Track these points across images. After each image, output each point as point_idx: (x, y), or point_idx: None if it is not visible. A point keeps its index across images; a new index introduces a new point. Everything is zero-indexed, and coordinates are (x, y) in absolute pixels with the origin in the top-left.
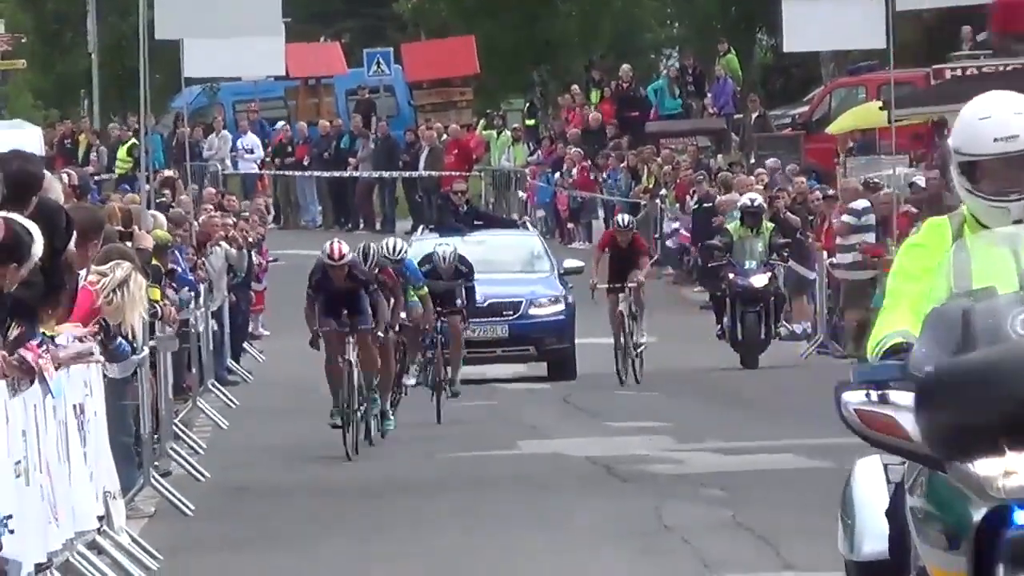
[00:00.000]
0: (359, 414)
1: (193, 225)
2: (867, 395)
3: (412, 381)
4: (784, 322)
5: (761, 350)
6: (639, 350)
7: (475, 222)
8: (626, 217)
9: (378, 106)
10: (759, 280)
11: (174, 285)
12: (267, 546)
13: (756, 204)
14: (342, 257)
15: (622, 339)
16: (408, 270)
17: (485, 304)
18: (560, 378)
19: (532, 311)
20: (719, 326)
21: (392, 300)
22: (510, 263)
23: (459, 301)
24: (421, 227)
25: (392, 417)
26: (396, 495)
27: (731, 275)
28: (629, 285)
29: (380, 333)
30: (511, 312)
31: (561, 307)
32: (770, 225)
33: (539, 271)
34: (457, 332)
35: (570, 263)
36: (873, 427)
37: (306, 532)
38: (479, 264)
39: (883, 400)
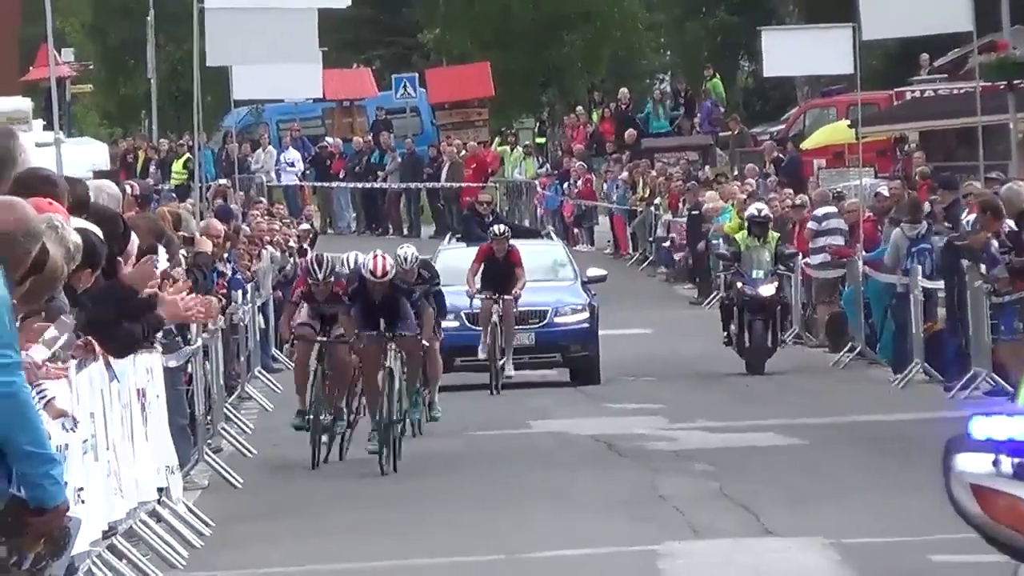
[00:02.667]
0: (398, 420)
1: (243, 230)
2: (996, 463)
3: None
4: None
5: (767, 357)
6: (501, 362)
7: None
8: (502, 227)
9: (405, 125)
10: (767, 289)
11: (226, 284)
12: (307, 515)
13: (763, 214)
14: (385, 274)
15: (495, 350)
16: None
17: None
18: (585, 383)
19: (558, 319)
20: (725, 333)
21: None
22: (535, 272)
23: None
24: (448, 236)
25: (439, 407)
26: (423, 469)
27: (739, 284)
28: (504, 297)
29: (425, 342)
30: (537, 320)
31: (586, 315)
32: (776, 235)
33: (563, 279)
34: (432, 347)
35: (593, 271)
36: (999, 516)
37: (341, 503)
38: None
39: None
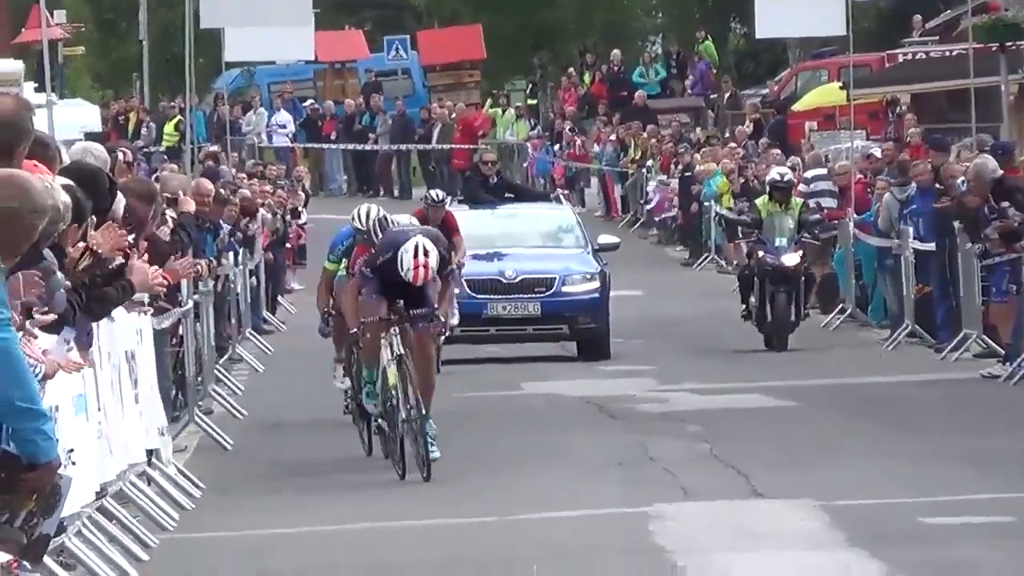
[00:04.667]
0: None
1: (241, 193)
2: None
3: (341, 384)
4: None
5: (790, 332)
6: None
7: (506, 195)
8: (439, 193)
9: (393, 87)
10: (790, 259)
11: (218, 246)
12: (299, 477)
13: (786, 179)
14: (427, 278)
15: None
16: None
17: (517, 280)
18: (593, 358)
19: (566, 288)
20: (744, 307)
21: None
22: (542, 238)
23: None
24: (450, 199)
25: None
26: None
27: (760, 253)
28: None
29: (442, 317)
30: (544, 289)
31: (596, 284)
32: (799, 201)
33: (572, 246)
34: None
35: (605, 239)
36: None
37: (333, 463)
38: (510, 238)
39: None
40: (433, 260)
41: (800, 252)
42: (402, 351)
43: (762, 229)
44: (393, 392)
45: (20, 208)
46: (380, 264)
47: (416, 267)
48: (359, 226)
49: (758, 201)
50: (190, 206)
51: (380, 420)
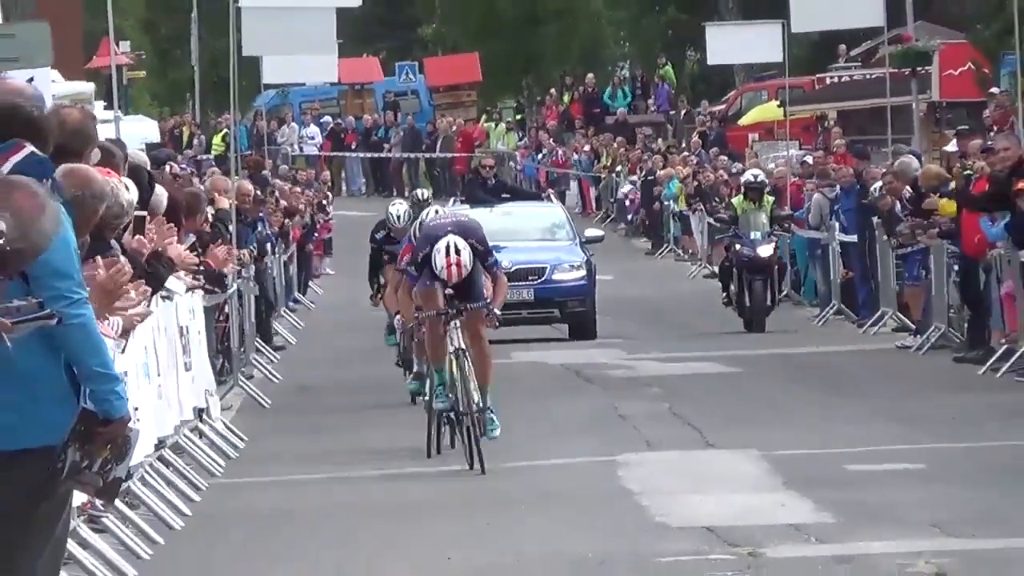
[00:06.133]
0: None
1: (277, 193)
2: None
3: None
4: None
5: (767, 315)
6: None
7: (503, 195)
8: (424, 192)
9: (404, 105)
10: (765, 250)
11: (257, 238)
12: (326, 429)
13: (758, 180)
14: (461, 277)
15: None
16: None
17: (512, 269)
18: (581, 338)
19: (556, 276)
20: (725, 294)
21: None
22: (535, 232)
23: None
24: (452, 199)
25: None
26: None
27: (738, 246)
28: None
29: (496, 310)
30: (536, 277)
31: (583, 273)
32: (771, 198)
33: (562, 239)
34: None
35: (591, 232)
36: None
37: (354, 418)
38: (506, 233)
39: None
40: (465, 257)
41: (773, 244)
42: (461, 345)
43: (738, 225)
44: (456, 387)
45: (83, 195)
46: (421, 260)
47: (448, 266)
48: (395, 224)
49: (734, 200)
50: (224, 203)
51: (449, 414)
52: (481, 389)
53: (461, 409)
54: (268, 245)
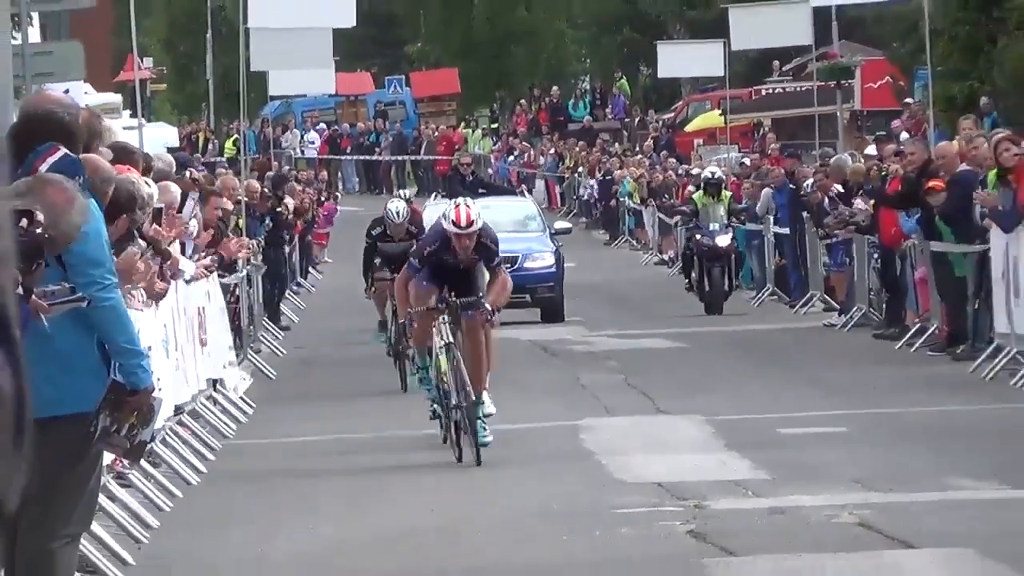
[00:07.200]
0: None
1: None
2: None
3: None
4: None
5: (725, 299)
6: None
7: (480, 190)
8: (405, 192)
9: (392, 113)
10: (723, 240)
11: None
12: (326, 398)
13: (716, 176)
14: (471, 223)
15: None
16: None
17: None
18: (551, 321)
19: (527, 264)
20: (687, 280)
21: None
22: (509, 224)
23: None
24: (434, 194)
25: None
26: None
27: (698, 236)
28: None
29: (488, 305)
30: (509, 265)
31: (552, 261)
32: (728, 193)
33: (533, 231)
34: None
35: (560, 224)
36: None
37: (350, 388)
38: None
39: None
40: (475, 213)
41: (731, 235)
42: (451, 339)
43: (699, 217)
44: (444, 379)
45: (94, 180)
46: (427, 254)
47: (457, 207)
48: (394, 220)
49: (695, 195)
50: (228, 205)
51: (435, 406)
52: (475, 391)
53: (453, 403)
54: (284, 233)
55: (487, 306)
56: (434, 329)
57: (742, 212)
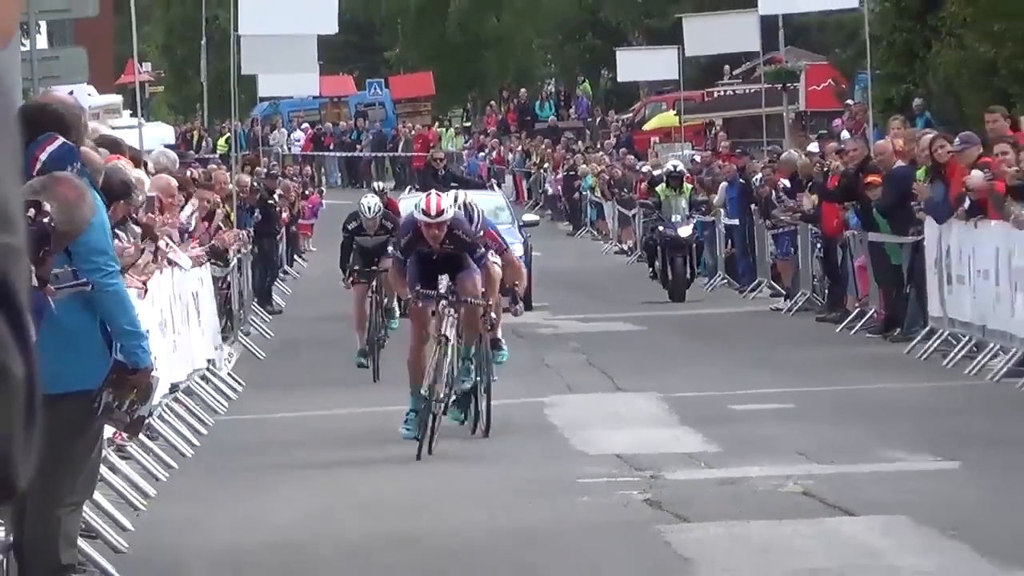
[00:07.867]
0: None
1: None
2: None
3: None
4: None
5: (687, 287)
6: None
7: (452, 184)
8: (379, 184)
9: (372, 114)
10: (685, 231)
11: (254, 221)
12: (312, 377)
13: (678, 170)
14: (440, 212)
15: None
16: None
17: None
18: None
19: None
20: (651, 269)
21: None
22: None
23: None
24: (408, 187)
25: (504, 348)
26: (389, 354)
27: (661, 228)
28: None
29: (470, 298)
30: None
31: (520, 252)
32: (689, 186)
33: (503, 222)
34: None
35: (528, 217)
36: None
37: (332, 368)
38: None
39: None
40: (445, 203)
41: (692, 226)
42: (446, 333)
43: (661, 209)
44: (431, 372)
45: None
46: (405, 245)
47: (428, 196)
48: (366, 215)
49: (657, 188)
50: (216, 198)
51: (408, 427)
52: (468, 341)
53: (434, 397)
54: (277, 224)
55: (492, 316)
56: (432, 319)
57: (702, 204)
